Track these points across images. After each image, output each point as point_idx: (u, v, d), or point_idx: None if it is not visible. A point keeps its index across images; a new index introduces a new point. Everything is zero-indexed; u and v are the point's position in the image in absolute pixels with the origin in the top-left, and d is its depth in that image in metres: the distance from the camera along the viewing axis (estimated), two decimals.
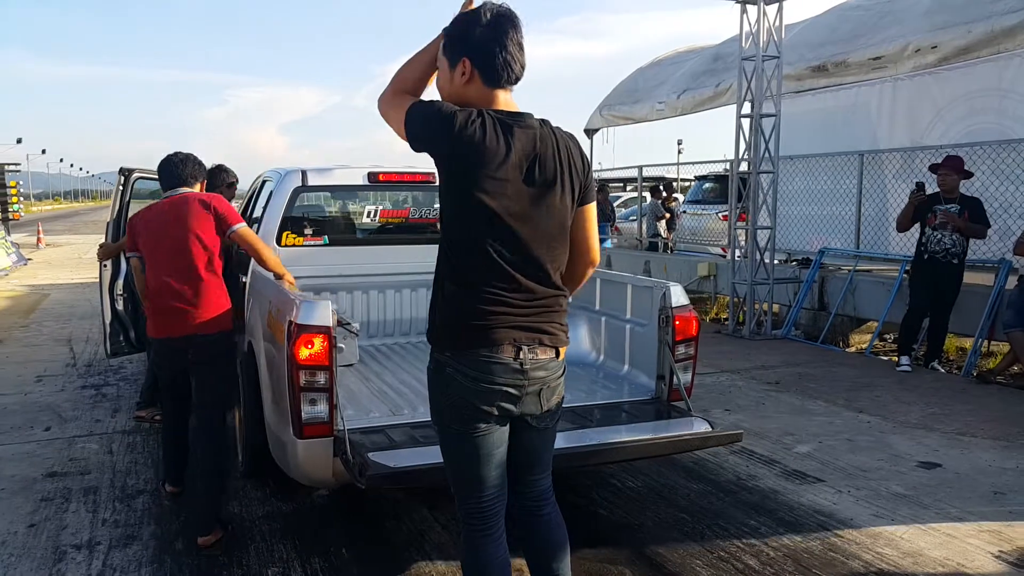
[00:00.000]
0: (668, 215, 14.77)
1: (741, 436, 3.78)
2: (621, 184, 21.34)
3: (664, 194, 15.11)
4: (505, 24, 2.20)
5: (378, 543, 3.61)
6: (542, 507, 2.52)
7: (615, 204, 18.21)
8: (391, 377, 4.50)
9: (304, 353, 3.23)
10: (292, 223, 4.89)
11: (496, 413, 2.26)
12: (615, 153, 16.64)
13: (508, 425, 2.33)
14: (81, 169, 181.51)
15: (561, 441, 3.32)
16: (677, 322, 3.85)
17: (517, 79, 2.27)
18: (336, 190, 5.22)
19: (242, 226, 3.74)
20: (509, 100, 2.27)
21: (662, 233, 14.28)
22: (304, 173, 4.89)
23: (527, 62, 2.26)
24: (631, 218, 17.56)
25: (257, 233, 4.88)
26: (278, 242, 4.80)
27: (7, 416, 5.56)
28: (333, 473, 3.33)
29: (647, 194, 14.13)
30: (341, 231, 5.32)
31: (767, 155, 8.98)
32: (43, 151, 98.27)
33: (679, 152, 46.33)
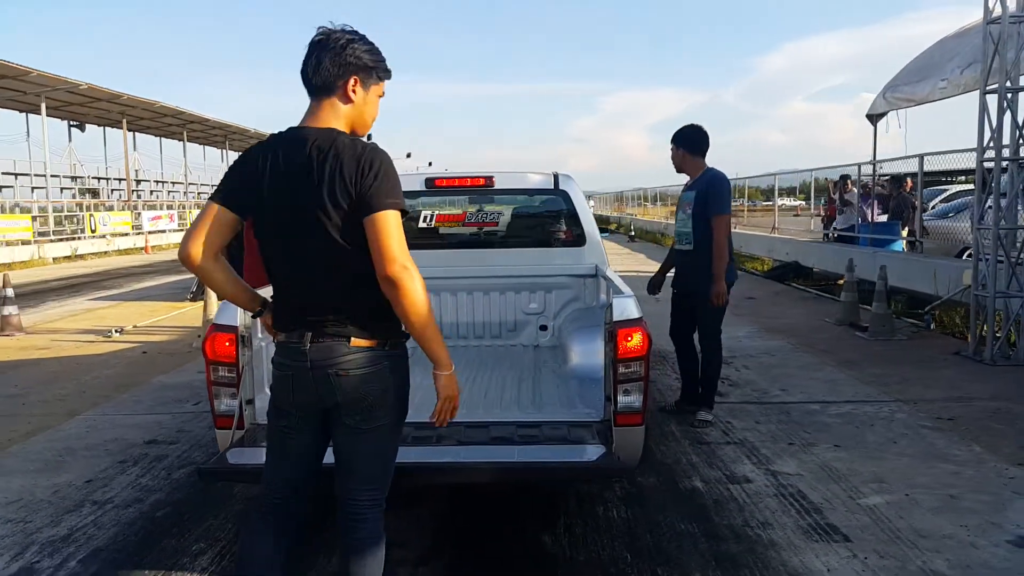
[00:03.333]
0: None
1: (618, 473, 3.23)
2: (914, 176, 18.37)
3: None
4: (311, 44, 2.40)
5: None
6: (350, 528, 2.48)
7: (939, 199, 15.95)
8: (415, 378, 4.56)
9: (215, 350, 3.49)
10: None
11: (292, 400, 2.42)
12: (911, 139, 14.16)
13: (317, 430, 2.47)
14: None
15: (411, 456, 3.22)
16: (622, 339, 3.42)
17: (314, 87, 2.40)
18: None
19: None
20: (314, 108, 2.42)
21: None
22: None
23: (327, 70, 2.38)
24: (950, 214, 15.20)
25: None
26: None
27: (182, 391, 6.66)
28: None
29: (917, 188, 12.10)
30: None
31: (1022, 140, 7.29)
32: (429, 163, 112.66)
33: None
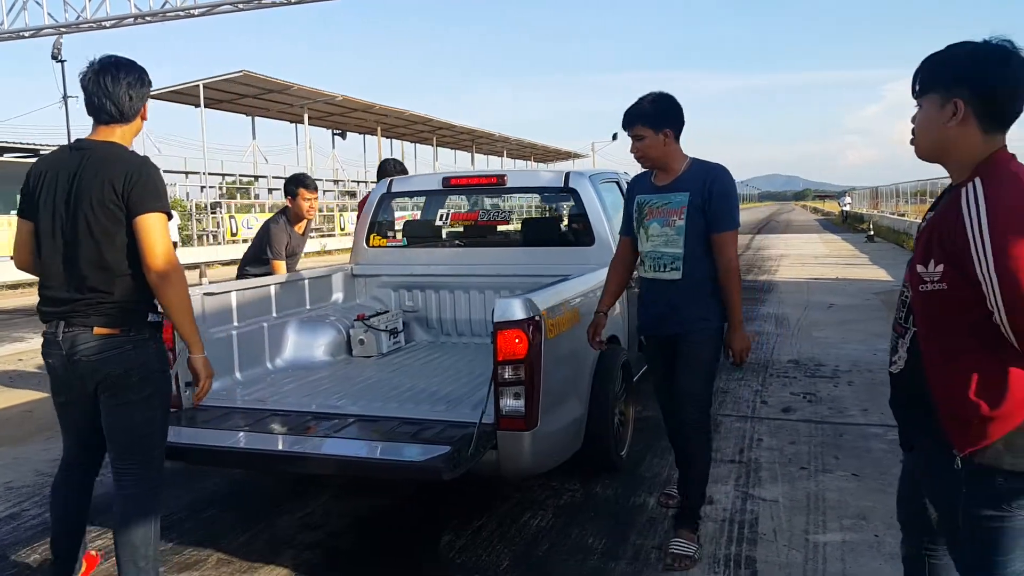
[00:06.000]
0: None
1: (433, 474, 3.07)
2: None
3: None
4: (91, 69, 2.74)
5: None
6: (117, 489, 2.83)
7: None
8: (414, 372, 4.72)
9: None
10: (378, 227, 5.48)
11: (58, 383, 2.82)
12: None
13: (87, 405, 2.81)
14: None
15: (265, 443, 3.43)
16: (501, 341, 3.35)
17: (106, 115, 2.74)
18: (416, 195, 5.59)
19: None
20: (102, 128, 2.76)
21: None
22: (391, 182, 5.43)
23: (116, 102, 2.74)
24: None
25: (354, 236, 5.59)
26: (367, 243, 5.45)
27: None
28: None
29: None
30: (419, 233, 5.64)
31: None
32: None
33: None
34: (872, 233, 27.78)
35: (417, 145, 49.99)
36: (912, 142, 1.95)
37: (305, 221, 5.25)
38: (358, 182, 43.90)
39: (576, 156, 68.90)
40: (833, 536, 3.57)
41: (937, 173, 29.28)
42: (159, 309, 2.78)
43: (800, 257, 20.68)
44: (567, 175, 5.06)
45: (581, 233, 5.04)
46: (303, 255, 5.56)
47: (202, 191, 30.58)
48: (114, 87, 2.70)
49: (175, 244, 18.54)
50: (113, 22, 13.49)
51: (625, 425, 4.63)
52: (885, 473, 4.34)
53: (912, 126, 1.93)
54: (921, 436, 1.99)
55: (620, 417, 4.57)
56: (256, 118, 34.86)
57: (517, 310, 3.38)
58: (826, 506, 3.91)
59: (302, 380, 4.48)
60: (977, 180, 1.72)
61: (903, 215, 33.03)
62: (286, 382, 4.46)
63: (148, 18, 13.06)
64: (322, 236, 30.15)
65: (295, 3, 12.86)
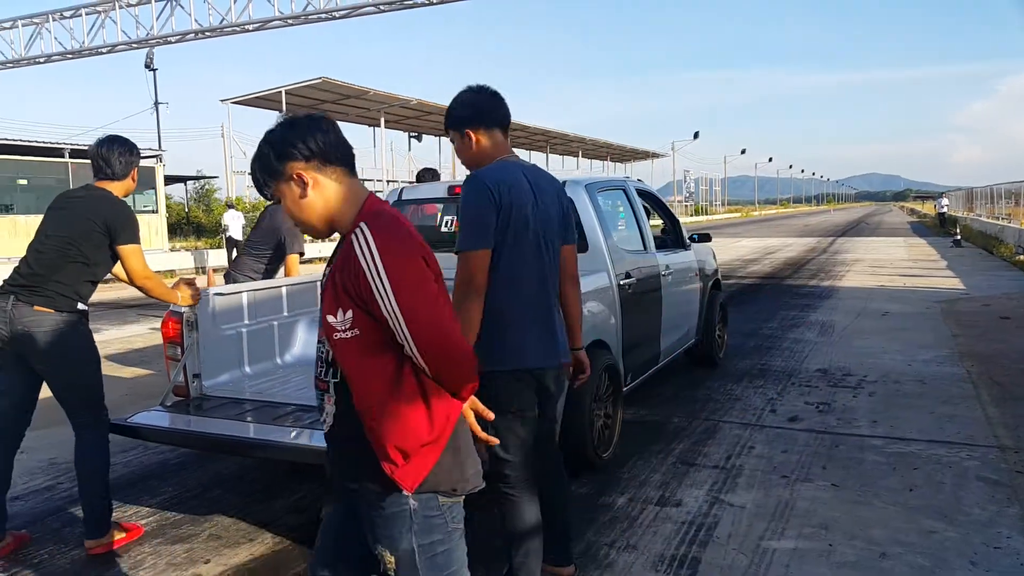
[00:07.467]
0: None
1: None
2: None
3: None
4: (97, 142, 3.76)
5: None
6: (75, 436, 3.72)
7: None
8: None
9: (167, 331, 4.28)
10: None
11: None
12: None
13: (19, 371, 3.62)
14: (813, 174, 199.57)
15: (235, 431, 3.73)
16: None
17: (101, 174, 3.73)
18: (424, 203, 5.83)
19: None
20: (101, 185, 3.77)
21: None
22: (401, 190, 5.70)
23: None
24: None
25: None
26: None
27: None
28: None
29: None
30: (425, 239, 5.83)
31: None
32: (769, 159, 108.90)
33: None
34: (959, 237, 26.54)
35: None
36: (309, 231, 2.03)
37: None
38: None
39: (656, 156, 68.12)
40: (787, 543, 3.64)
41: None
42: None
43: (875, 262, 20.08)
44: (563, 183, 5.19)
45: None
46: None
47: None
48: (108, 155, 3.71)
49: (237, 242, 19.58)
50: (177, 37, 14.48)
51: (611, 427, 4.77)
52: (867, 485, 4.35)
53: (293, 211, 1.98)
54: (362, 481, 1.95)
55: (606, 420, 4.72)
56: (336, 122, 35.88)
57: None
58: (792, 514, 3.97)
59: (308, 374, 4.77)
60: (363, 225, 1.86)
61: (998, 219, 31.45)
62: (293, 376, 4.77)
63: (208, 33, 13.93)
64: None
65: (339, 18, 13.44)
